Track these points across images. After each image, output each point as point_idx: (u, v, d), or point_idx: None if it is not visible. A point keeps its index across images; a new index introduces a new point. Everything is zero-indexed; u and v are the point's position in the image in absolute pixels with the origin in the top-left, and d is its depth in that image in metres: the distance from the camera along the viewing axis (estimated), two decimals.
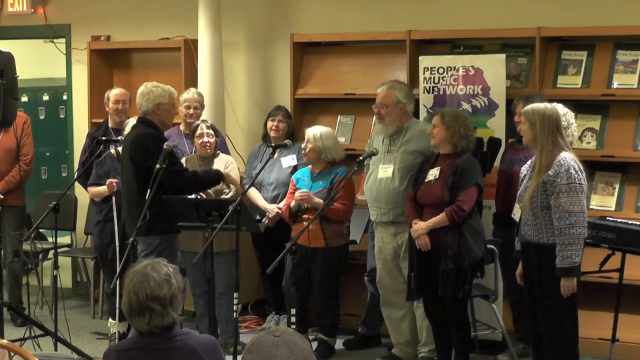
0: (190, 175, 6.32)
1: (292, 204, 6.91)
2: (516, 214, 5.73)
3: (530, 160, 5.73)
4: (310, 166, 7.05)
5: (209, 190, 6.71)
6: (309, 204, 6.84)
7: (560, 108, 5.63)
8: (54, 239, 6.74)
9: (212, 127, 7.06)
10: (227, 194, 6.95)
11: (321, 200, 6.79)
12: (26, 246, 7.92)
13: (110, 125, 7.73)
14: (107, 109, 7.82)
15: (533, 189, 5.48)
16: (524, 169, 5.75)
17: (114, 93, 7.76)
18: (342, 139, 7.57)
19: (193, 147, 7.17)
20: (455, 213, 6.07)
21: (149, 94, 6.38)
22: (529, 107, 5.65)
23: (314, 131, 6.96)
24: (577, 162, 5.47)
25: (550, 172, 5.43)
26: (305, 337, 3.44)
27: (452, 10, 7.53)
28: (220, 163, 7.04)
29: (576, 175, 5.41)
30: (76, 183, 7.65)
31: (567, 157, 5.45)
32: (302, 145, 7.04)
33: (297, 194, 6.90)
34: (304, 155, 7.03)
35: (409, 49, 7.38)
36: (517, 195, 5.70)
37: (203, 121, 7.13)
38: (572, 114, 5.74)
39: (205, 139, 6.98)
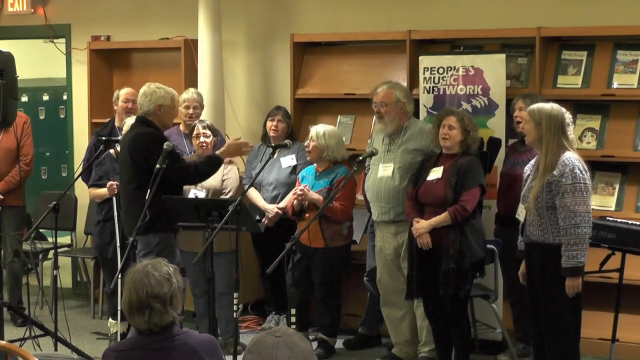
0: (193, 171, 6.34)
1: (295, 202, 6.93)
2: (520, 214, 5.71)
3: (533, 160, 5.72)
4: (315, 164, 7.07)
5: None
6: (308, 201, 6.85)
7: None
8: (54, 239, 6.73)
9: (209, 126, 7.04)
10: (226, 194, 6.96)
11: (319, 196, 6.81)
12: (26, 246, 7.93)
13: (116, 124, 7.70)
14: (115, 107, 7.80)
15: (538, 189, 5.47)
16: (527, 169, 5.73)
17: (124, 92, 7.73)
18: None
19: (192, 147, 7.17)
20: (458, 213, 6.07)
21: (151, 95, 6.38)
22: (535, 106, 5.63)
23: (318, 129, 6.97)
24: (582, 162, 5.47)
25: (555, 172, 5.43)
26: (305, 337, 3.43)
27: (452, 10, 7.53)
28: None
29: (581, 175, 5.41)
30: (76, 183, 7.64)
31: (571, 157, 5.45)
32: (305, 143, 7.05)
33: (294, 190, 6.93)
34: (307, 153, 7.04)
35: (409, 49, 7.38)
36: (521, 195, 5.70)
37: (200, 121, 7.13)
38: (570, 115, 5.74)
39: (202, 139, 6.97)
